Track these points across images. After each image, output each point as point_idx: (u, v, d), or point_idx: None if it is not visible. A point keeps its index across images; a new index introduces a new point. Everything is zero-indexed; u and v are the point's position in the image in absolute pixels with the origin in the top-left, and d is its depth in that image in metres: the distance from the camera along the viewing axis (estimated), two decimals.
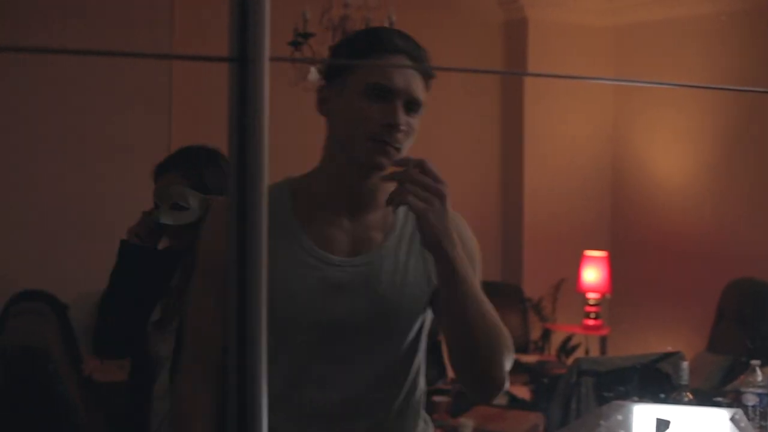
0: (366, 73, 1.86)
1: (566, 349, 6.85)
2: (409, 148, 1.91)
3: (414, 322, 1.96)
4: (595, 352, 6.85)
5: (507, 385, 1.93)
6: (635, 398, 3.13)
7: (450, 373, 5.98)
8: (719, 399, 3.00)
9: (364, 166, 1.87)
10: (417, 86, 1.88)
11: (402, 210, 1.97)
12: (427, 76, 1.92)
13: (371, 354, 1.93)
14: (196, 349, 1.95)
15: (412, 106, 1.88)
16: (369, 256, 1.93)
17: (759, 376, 2.97)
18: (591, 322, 6.78)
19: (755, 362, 3.04)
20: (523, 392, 5.90)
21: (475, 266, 1.98)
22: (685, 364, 2.86)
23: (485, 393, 1.96)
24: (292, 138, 6.06)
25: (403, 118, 1.85)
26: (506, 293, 6.99)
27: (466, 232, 2.02)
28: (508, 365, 1.89)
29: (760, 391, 2.83)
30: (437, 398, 5.31)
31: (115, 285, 2.77)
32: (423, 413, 2.11)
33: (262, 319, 0.76)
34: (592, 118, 7.35)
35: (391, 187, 1.86)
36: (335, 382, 1.91)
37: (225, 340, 1.86)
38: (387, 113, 1.83)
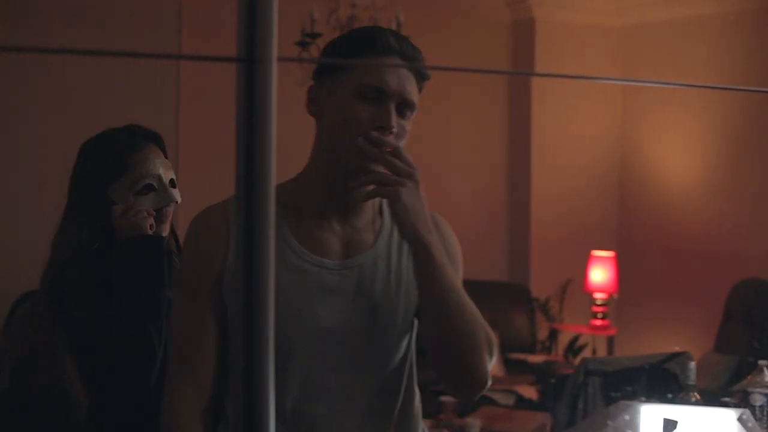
0: (358, 73, 1.81)
1: (573, 349, 6.84)
2: None
3: (410, 323, 1.93)
4: (602, 352, 6.84)
5: (489, 383, 1.87)
6: (642, 398, 3.14)
7: None
8: (727, 399, 3.00)
9: (354, 169, 1.82)
10: (411, 88, 1.83)
11: (389, 212, 1.93)
12: (422, 78, 1.87)
13: (373, 360, 1.89)
14: (183, 367, 1.87)
15: (405, 108, 1.83)
16: (362, 258, 1.89)
17: (766, 376, 2.97)
18: (598, 322, 6.77)
19: (763, 362, 3.04)
20: (530, 392, 5.90)
21: (457, 268, 1.95)
22: (692, 364, 2.86)
23: (468, 390, 1.91)
24: (300, 138, 6.06)
25: (395, 120, 1.80)
26: (513, 293, 6.99)
27: (447, 232, 1.98)
28: (490, 361, 1.84)
29: (767, 391, 2.82)
30: (444, 398, 5.31)
31: (158, 288, 2.30)
32: (422, 422, 2.07)
33: (270, 321, 0.77)
34: (600, 118, 7.34)
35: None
36: (340, 392, 1.87)
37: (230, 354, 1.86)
38: (379, 115, 1.79)
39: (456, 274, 1.89)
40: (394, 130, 1.80)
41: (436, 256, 1.76)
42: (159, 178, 2.39)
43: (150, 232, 2.34)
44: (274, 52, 0.75)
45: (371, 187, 1.81)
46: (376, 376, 1.90)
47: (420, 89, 1.87)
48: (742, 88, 7.26)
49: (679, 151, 6.95)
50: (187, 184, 5.72)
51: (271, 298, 0.76)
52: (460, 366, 1.83)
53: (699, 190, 6.81)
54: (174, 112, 5.92)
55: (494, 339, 1.86)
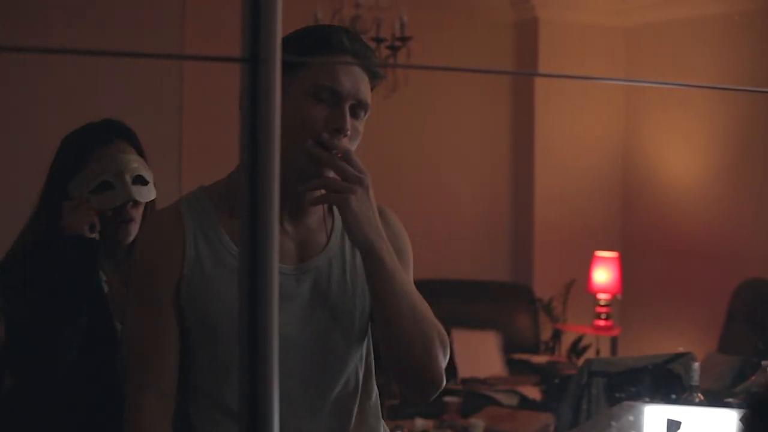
0: (312, 72, 1.79)
1: (577, 349, 6.83)
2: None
3: (367, 322, 1.91)
4: (605, 352, 6.84)
5: (444, 383, 1.88)
6: (646, 399, 3.13)
7: (461, 374, 5.99)
8: (730, 400, 3.00)
9: (305, 171, 1.79)
10: (365, 88, 1.81)
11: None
12: (375, 77, 1.85)
13: (333, 362, 1.88)
14: (145, 377, 1.84)
15: (359, 109, 1.81)
16: (318, 261, 1.87)
17: None
18: (602, 323, 6.77)
19: (766, 363, 3.03)
20: (533, 393, 5.90)
21: (407, 264, 1.95)
22: (696, 365, 2.86)
23: (423, 391, 1.89)
24: None
25: (349, 123, 1.78)
26: (517, 294, 6.99)
27: (396, 227, 1.97)
28: (444, 360, 1.85)
29: None
30: (448, 398, 5.31)
31: (79, 290, 2.19)
32: (382, 421, 2.06)
33: (274, 324, 0.77)
34: (603, 118, 7.33)
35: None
36: (300, 396, 1.85)
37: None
38: (333, 117, 1.77)
39: (406, 271, 1.89)
40: (348, 132, 1.78)
41: (387, 263, 1.76)
42: (119, 175, 2.27)
43: (88, 234, 2.22)
44: (278, 53, 0.75)
45: (321, 191, 1.80)
46: (336, 378, 1.89)
47: (372, 88, 1.85)
48: (745, 88, 7.25)
49: (682, 152, 6.95)
50: (189, 184, 5.74)
51: (275, 300, 0.76)
52: (414, 367, 1.84)
53: (702, 190, 6.80)
54: (177, 112, 5.92)
55: (447, 338, 1.87)
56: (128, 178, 2.27)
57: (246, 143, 0.74)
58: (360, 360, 1.93)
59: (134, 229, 2.32)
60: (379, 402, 2.02)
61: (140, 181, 2.30)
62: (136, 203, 2.29)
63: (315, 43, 1.83)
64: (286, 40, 1.88)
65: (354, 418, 1.93)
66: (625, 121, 7.38)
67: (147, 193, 2.31)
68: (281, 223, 1.86)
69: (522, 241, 7.35)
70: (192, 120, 6.04)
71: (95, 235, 2.23)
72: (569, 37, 7.16)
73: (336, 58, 1.81)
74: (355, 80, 1.79)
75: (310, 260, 1.87)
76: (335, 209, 1.92)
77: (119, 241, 2.32)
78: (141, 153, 2.38)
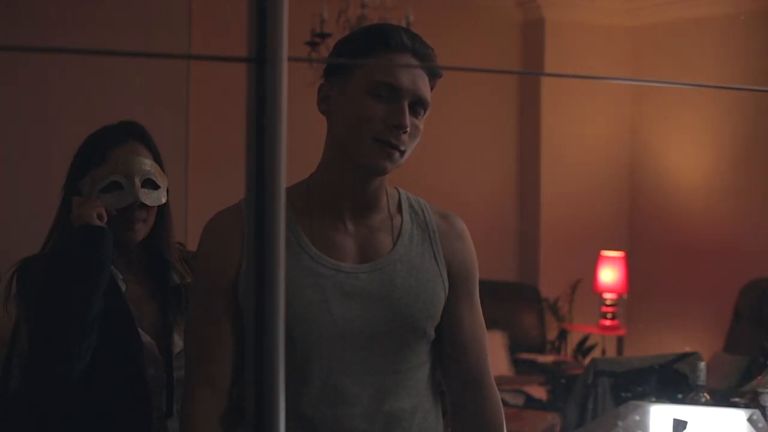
0: (371, 70, 1.79)
1: (583, 349, 6.83)
2: (413, 149, 1.84)
3: (431, 326, 1.89)
4: (611, 352, 6.83)
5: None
6: (652, 399, 3.13)
7: None
8: (737, 399, 2.99)
9: (367, 169, 1.80)
10: (424, 86, 1.80)
11: (407, 212, 1.93)
12: (435, 76, 1.84)
13: (393, 363, 1.86)
14: (200, 373, 1.85)
15: (418, 106, 1.81)
16: (381, 263, 1.86)
17: None
18: (608, 323, 6.76)
19: None
20: (539, 392, 5.90)
21: (474, 286, 1.95)
22: (702, 365, 2.85)
23: None
24: (310, 138, 6.06)
25: (408, 119, 1.77)
26: (523, 293, 6.99)
27: (469, 243, 1.98)
28: None
29: None
30: None
31: (87, 282, 2.10)
32: (442, 422, 2.06)
33: (280, 326, 0.77)
34: (610, 118, 7.33)
35: (394, 190, 1.89)
36: (359, 396, 1.83)
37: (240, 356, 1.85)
38: (393, 114, 1.76)
39: (472, 292, 1.94)
40: (408, 129, 1.77)
41: None
42: (128, 176, 2.23)
43: (97, 222, 2.15)
44: (285, 52, 0.75)
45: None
46: (397, 379, 1.87)
47: (432, 87, 1.85)
48: (752, 88, 7.24)
49: (689, 151, 6.94)
50: (196, 185, 5.75)
51: (281, 300, 0.76)
52: None
53: (709, 190, 6.80)
54: (183, 112, 5.92)
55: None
56: (137, 181, 2.24)
57: (252, 144, 0.74)
58: (423, 363, 1.92)
59: (142, 230, 2.29)
60: (440, 405, 2.02)
61: (150, 185, 2.26)
62: (143, 206, 2.26)
63: (374, 42, 1.82)
64: (345, 40, 1.90)
65: (416, 420, 1.91)
66: (632, 121, 7.38)
67: (155, 198, 2.26)
68: (342, 221, 1.87)
69: (528, 241, 7.34)
70: (198, 120, 6.05)
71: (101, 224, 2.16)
72: (576, 37, 7.15)
73: (396, 56, 1.80)
74: (414, 77, 1.79)
75: (373, 261, 1.87)
76: (404, 209, 1.94)
77: (126, 242, 2.28)
78: (156, 156, 2.34)
